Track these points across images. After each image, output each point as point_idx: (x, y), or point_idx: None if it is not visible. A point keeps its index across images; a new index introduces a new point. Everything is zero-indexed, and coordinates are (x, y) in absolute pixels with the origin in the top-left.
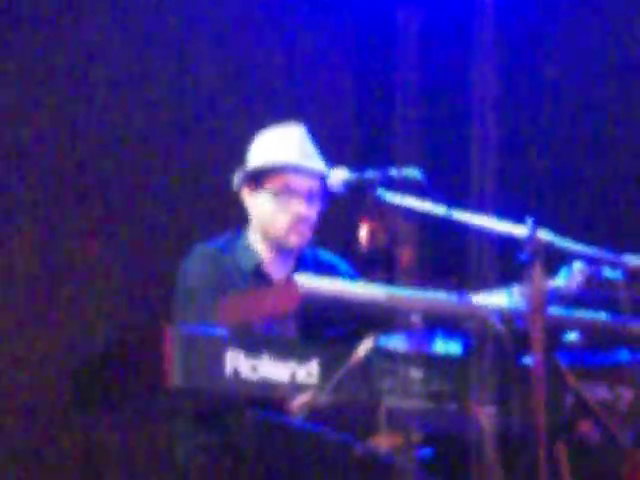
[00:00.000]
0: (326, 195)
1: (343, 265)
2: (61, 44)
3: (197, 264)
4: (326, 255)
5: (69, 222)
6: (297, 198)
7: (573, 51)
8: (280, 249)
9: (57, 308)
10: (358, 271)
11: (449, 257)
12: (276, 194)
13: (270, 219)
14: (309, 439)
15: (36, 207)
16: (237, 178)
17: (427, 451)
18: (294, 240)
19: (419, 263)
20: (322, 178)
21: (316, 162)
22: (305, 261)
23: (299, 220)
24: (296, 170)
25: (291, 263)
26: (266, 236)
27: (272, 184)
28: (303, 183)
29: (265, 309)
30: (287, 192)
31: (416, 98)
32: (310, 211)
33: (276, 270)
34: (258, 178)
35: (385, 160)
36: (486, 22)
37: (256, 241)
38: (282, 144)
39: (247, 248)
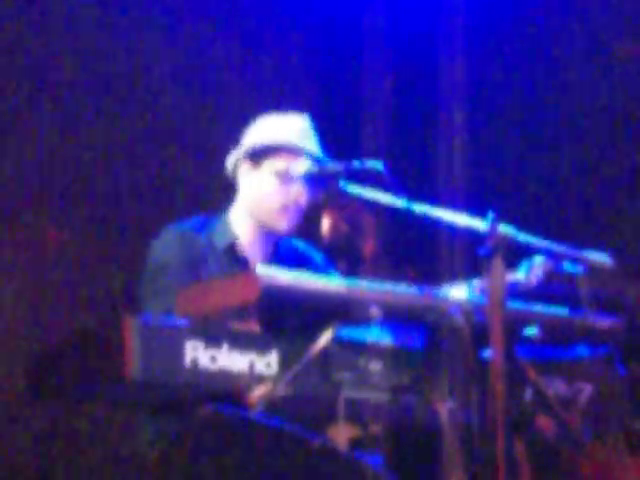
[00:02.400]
0: (316, 188)
1: (318, 256)
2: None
3: (165, 244)
4: (301, 245)
5: (30, 211)
6: (297, 182)
7: (538, 48)
8: (263, 232)
9: (16, 296)
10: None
11: (411, 249)
12: (277, 173)
13: (266, 199)
14: (267, 432)
15: None
16: (237, 154)
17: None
18: (283, 224)
19: (381, 255)
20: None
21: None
22: (283, 249)
23: (294, 204)
24: (302, 152)
25: (270, 248)
26: (255, 216)
27: (275, 163)
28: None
29: (225, 300)
30: (289, 174)
31: (383, 91)
32: (305, 199)
33: (253, 252)
34: (261, 156)
35: (352, 153)
36: (455, 15)
37: (237, 221)
38: (290, 126)
39: (224, 227)
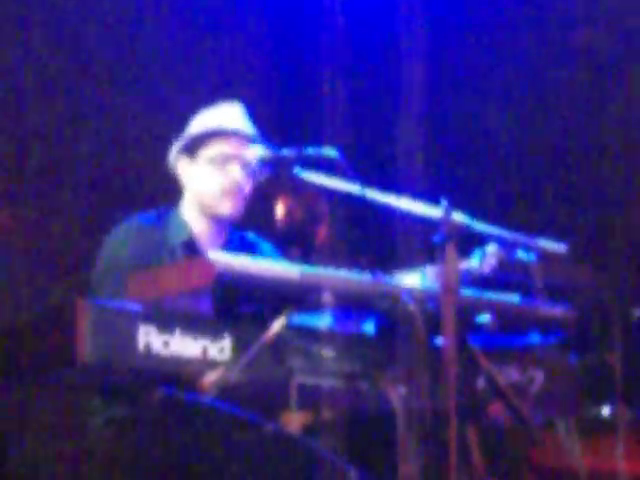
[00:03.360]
0: (260, 170)
1: (266, 245)
2: None
3: (120, 238)
4: (250, 235)
5: None
6: (232, 164)
7: (498, 35)
8: (213, 221)
9: None
10: (279, 250)
11: (365, 236)
12: (212, 160)
13: (206, 186)
14: (218, 417)
15: None
16: (173, 150)
17: None
18: (226, 207)
19: (334, 242)
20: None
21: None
22: (233, 239)
23: (233, 185)
24: (231, 133)
25: (223, 238)
26: (200, 206)
27: (208, 151)
28: (238, 150)
29: (179, 284)
30: (223, 157)
31: (339, 78)
32: (244, 179)
33: (209, 244)
34: (195, 148)
35: (311, 139)
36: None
37: (189, 215)
38: (219, 114)
39: (179, 222)
